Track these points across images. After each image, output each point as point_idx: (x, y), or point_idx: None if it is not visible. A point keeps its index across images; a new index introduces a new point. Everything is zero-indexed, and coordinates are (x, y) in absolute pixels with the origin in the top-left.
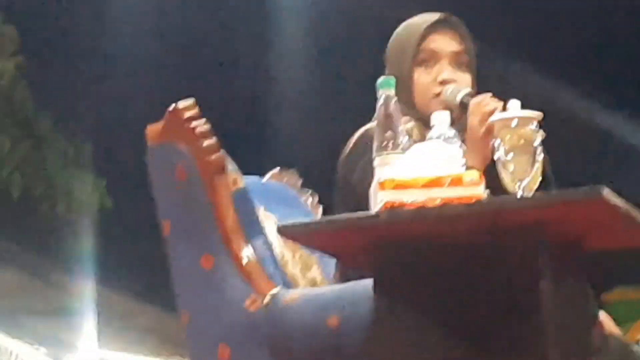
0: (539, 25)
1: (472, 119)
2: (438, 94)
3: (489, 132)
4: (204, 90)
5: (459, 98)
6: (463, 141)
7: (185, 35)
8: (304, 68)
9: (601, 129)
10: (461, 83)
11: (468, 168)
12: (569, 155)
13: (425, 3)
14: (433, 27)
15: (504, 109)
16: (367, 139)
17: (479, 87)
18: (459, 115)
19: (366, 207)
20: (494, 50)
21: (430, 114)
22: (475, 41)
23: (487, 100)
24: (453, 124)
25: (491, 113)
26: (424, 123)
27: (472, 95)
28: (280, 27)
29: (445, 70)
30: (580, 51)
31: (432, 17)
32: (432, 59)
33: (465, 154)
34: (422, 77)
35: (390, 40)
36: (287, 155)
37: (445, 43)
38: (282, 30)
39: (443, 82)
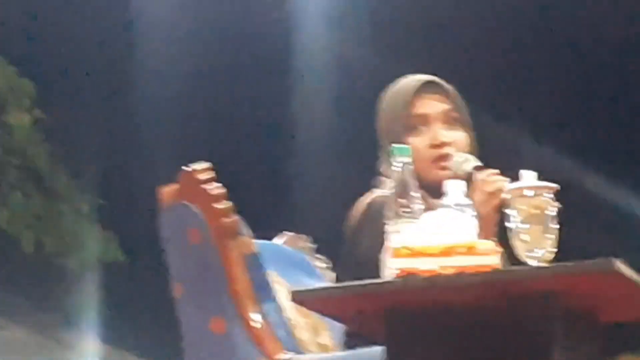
0: (551, 100)
1: (477, 196)
2: (436, 158)
3: (494, 212)
4: (222, 153)
5: (466, 169)
6: None
7: (207, 97)
8: (325, 132)
9: (613, 202)
10: (457, 142)
11: None
12: (581, 228)
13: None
14: (419, 92)
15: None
16: (375, 207)
17: (486, 154)
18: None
19: (373, 275)
20: (508, 124)
21: (431, 179)
22: (488, 115)
23: (492, 179)
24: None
25: (496, 193)
26: (427, 190)
27: (479, 168)
28: (304, 88)
29: (438, 132)
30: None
31: (416, 81)
32: (423, 123)
33: None
34: (416, 143)
35: (379, 111)
36: (302, 220)
37: (433, 105)
38: (306, 92)
39: (440, 145)
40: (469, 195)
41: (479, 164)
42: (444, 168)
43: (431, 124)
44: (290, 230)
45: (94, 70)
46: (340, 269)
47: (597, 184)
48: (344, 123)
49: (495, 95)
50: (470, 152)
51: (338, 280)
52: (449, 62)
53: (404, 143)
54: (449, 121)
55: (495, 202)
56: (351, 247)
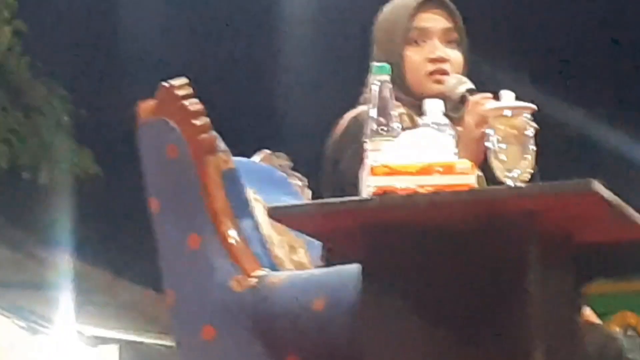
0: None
1: (469, 118)
2: (431, 72)
3: (484, 136)
4: (202, 68)
5: (459, 91)
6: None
7: (188, 10)
8: (311, 45)
9: (590, 136)
10: (453, 61)
11: None
12: (557, 162)
13: None
14: (422, 6)
15: (496, 99)
16: (357, 124)
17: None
18: (457, 107)
19: (353, 192)
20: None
21: (423, 92)
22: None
23: (484, 102)
24: (447, 113)
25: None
26: (416, 107)
27: (473, 91)
28: (284, 5)
29: (437, 48)
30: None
31: None
32: (422, 37)
33: (458, 149)
34: (413, 56)
35: (378, 20)
36: (283, 138)
37: (436, 21)
38: (285, 8)
39: (436, 60)
40: (462, 117)
41: (472, 86)
42: (439, 82)
43: (430, 39)
44: (270, 148)
45: None
46: (320, 185)
47: (571, 111)
48: (331, 35)
49: (483, 27)
50: (464, 75)
51: (317, 196)
52: None
53: (401, 55)
54: (449, 39)
55: (487, 125)
56: (331, 164)
